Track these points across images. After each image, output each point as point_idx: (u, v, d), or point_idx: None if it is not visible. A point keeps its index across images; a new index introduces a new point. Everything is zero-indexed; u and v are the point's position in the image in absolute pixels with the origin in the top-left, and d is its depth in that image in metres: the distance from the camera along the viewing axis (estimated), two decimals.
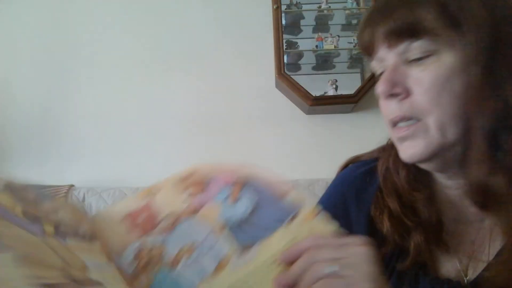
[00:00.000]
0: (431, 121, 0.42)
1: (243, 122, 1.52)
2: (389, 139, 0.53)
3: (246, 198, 0.39)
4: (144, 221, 0.37)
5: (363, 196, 0.52)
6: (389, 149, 0.52)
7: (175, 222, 0.38)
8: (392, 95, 0.44)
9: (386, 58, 0.46)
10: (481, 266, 0.46)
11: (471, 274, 0.47)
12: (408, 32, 0.43)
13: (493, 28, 0.41)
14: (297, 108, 1.52)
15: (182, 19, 1.59)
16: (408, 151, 0.45)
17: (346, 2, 1.49)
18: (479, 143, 0.41)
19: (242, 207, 0.39)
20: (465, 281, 0.47)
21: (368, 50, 0.48)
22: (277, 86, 1.51)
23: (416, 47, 0.43)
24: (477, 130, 0.41)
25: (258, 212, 0.38)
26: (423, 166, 0.47)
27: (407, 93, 0.43)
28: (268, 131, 1.51)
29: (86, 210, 0.35)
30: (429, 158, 0.44)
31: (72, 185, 1.38)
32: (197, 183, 0.40)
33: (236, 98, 1.54)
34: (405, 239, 0.47)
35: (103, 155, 1.52)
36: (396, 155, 0.49)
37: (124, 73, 1.57)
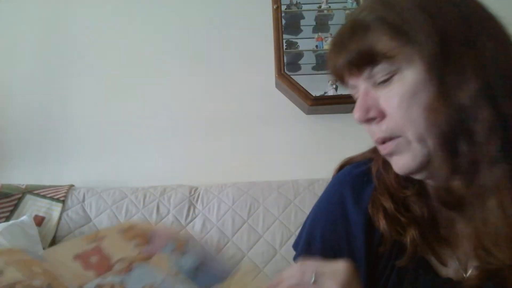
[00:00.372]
0: (410, 136, 0.43)
1: (243, 122, 1.52)
2: None
3: (192, 252, 0.43)
4: (98, 262, 0.39)
5: (361, 195, 0.53)
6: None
7: (130, 266, 0.40)
8: (368, 120, 0.46)
9: (357, 84, 0.48)
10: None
11: (470, 272, 0.47)
12: (365, 60, 0.44)
13: (440, 35, 0.41)
14: (297, 108, 1.52)
15: (182, 19, 1.60)
16: (398, 165, 0.46)
17: (346, 2, 1.49)
18: (438, 149, 0.42)
19: (191, 258, 0.43)
20: (464, 277, 0.47)
21: (339, 80, 0.51)
22: (277, 86, 1.51)
23: (378, 71, 0.44)
24: (435, 137, 0.42)
25: (206, 264, 0.43)
26: (417, 176, 0.48)
27: (382, 115, 0.45)
28: (268, 131, 1.51)
29: (33, 252, 0.35)
30: (419, 169, 0.45)
31: (72, 185, 1.38)
32: (141, 236, 0.43)
33: (236, 98, 1.54)
34: (401, 235, 0.48)
35: (103, 155, 1.52)
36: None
37: (123, 73, 1.57)
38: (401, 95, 0.43)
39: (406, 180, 0.49)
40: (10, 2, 1.61)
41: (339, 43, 0.47)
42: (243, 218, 1.26)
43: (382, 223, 0.48)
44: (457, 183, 0.43)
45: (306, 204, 1.25)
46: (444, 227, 0.49)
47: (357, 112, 0.46)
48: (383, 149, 0.47)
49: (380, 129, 0.45)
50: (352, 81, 0.48)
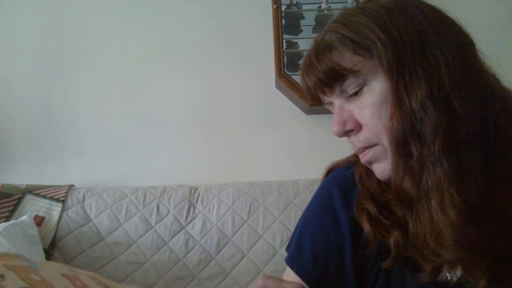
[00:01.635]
0: (386, 143, 0.46)
1: (243, 122, 1.52)
2: None
3: None
4: (82, 287, 0.39)
5: (349, 197, 0.54)
6: None
7: None
8: (347, 132, 0.49)
9: (331, 101, 0.51)
10: None
11: (457, 272, 0.47)
12: (333, 78, 0.47)
13: (394, 45, 0.44)
14: (297, 108, 1.52)
15: (182, 19, 1.60)
16: (378, 172, 0.49)
17: (346, 2, 1.49)
18: (394, 153, 0.45)
19: None
20: (448, 277, 0.47)
21: (315, 100, 0.53)
22: (277, 86, 1.52)
23: (347, 85, 0.47)
24: (391, 141, 0.44)
25: None
26: None
27: (359, 127, 0.48)
28: (268, 131, 1.51)
29: (27, 258, 0.35)
30: None
31: (72, 185, 1.38)
32: (105, 285, 0.44)
33: (236, 98, 1.54)
34: (385, 237, 0.49)
35: (103, 155, 1.52)
36: None
37: (124, 73, 1.57)
38: (372, 105, 0.46)
39: (387, 184, 0.51)
40: (12, 0, 1.61)
41: (307, 65, 0.50)
42: (243, 218, 1.26)
43: (366, 226, 0.49)
44: (407, 185, 0.44)
45: (306, 204, 1.25)
46: None
47: (335, 127, 0.49)
48: (362, 158, 0.49)
49: (358, 140, 0.48)
50: (326, 98, 0.51)
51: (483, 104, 0.44)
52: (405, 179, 0.44)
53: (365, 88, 0.46)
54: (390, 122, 0.44)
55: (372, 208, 0.49)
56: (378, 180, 0.51)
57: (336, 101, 0.50)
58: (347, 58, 0.46)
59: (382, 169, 0.48)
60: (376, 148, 0.47)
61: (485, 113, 0.43)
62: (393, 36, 0.44)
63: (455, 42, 0.45)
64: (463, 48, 0.46)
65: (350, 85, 0.47)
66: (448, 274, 0.47)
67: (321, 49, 0.48)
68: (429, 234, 0.43)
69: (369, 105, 0.46)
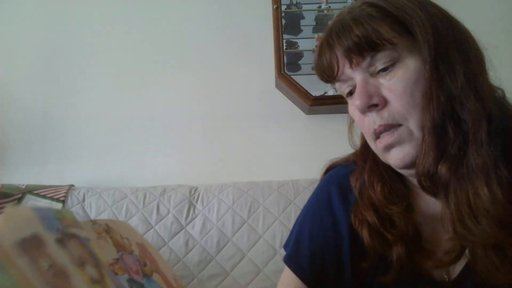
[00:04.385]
0: (412, 123, 0.44)
1: (243, 122, 1.52)
2: (362, 143, 0.56)
3: None
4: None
5: (347, 196, 0.53)
6: (363, 155, 0.53)
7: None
8: (370, 107, 0.46)
9: (352, 76, 0.48)
10: (462, 263, 0.47)
11: (453, 273, 0.47)
12: (368, 46, 0.45)
13: (434, 30, 0.44)
14: (297, 108, 1.52)
15: (182, 19, 1.60)
16: (399, 156, 0.46)
17: (346, 2, 1.49)
18: (428, 135, 0.43)
19: None
20: (446, 279, 0.47)
21: (329, 74, 0.50)
22: (277, 86, 1.51)
23: (380, 58, 0.45)
24: (426, 123, 0.43)
25: None
26: (411, 171, 0.47)
27: (384, 102, 0.46)
28: (268, 131, 1.51)
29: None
30: (416, 161, 0.45)
31: (72, 185, 1.38)
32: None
33: (236, 98, 1.54)
34: (386, 251, 0.48)
35: (103, 155, 1.52)
36: (371, 169, 0.51)
37: (124, 74, 1.57)
38: (405, 82, 0.44)
39: (392, 194, 0.50)
40: (11, 1, 1.61)
41: (340, 29, 0.47)
42: (243, 218, 1.26)
43: (366, 239, 0.48)
44: (442, 169, 0.43)
45: None
46: (426, 240, 0.49)
47: (359, 99, 0.46)
48: (383, 141, 0.46)
49: (381, 117, 0.46)
50: (346, 73, 0.48)
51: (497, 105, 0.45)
52: (441, 163, 0.43)
53: (398, 64, 0.45)
54: (425, 101, 0.43)
55: (373, 220, 0.48)
56: (383, 190, 0.49)
57: (357, 76, 0.47)
58: (385, 30, 0.45)
59: (404, 153, 0.45)
60: (400, 130, 0.45)
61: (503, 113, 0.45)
62: (433, 22, 0.44)
63: (476, 49, 0.47)
64: (480, 53, 0.47)
65: (383, 58, 0.45)
66: (445, 274, 0.47)
67: (358, 15, 0.46)
68: (466, 215, 0.42)
69: (403, 81, 0.44)
